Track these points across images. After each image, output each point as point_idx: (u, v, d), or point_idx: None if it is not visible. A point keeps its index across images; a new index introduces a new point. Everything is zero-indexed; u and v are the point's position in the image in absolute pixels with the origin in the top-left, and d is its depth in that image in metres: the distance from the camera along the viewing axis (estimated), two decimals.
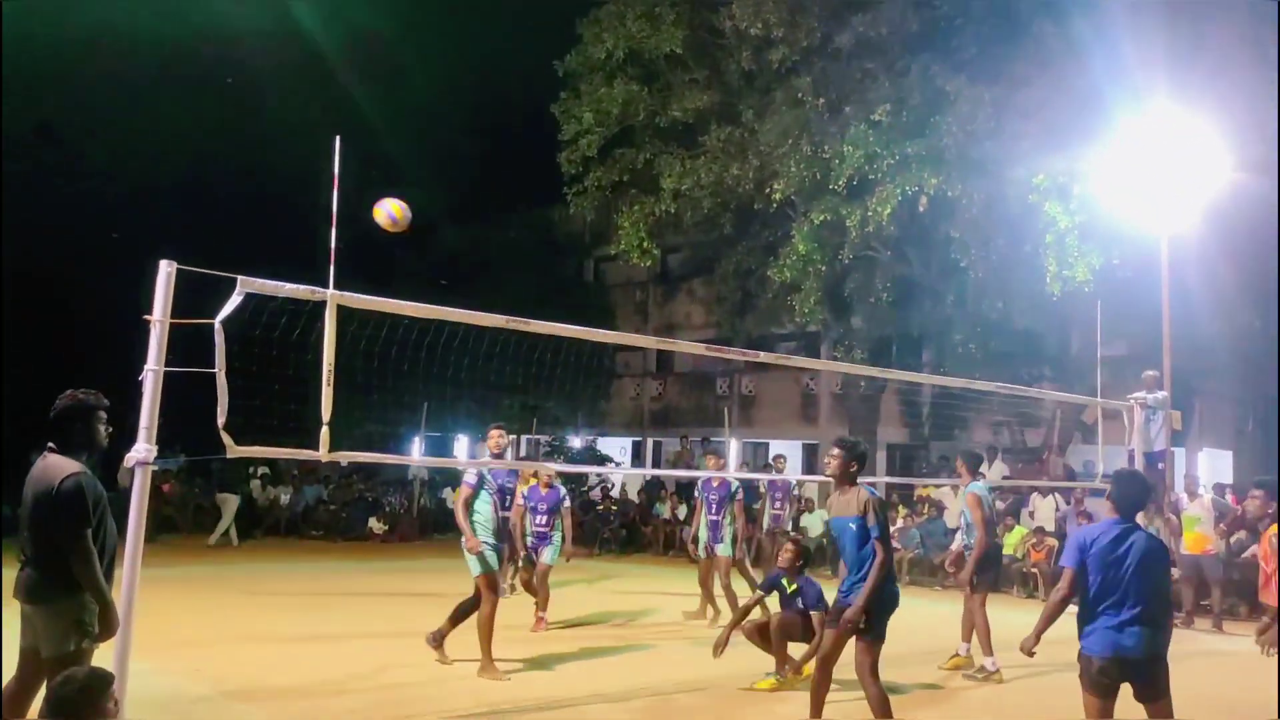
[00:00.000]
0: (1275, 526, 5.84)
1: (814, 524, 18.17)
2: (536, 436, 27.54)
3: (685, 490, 21.34)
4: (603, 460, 27.66)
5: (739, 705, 7.38)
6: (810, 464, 29.28)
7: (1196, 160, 12.38)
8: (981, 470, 9.11)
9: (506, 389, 22.71)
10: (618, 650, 9.50)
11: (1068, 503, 15.68)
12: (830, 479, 6.24)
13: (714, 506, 10.83)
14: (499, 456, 8.58)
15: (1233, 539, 12.92)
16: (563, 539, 10.43)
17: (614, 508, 21.18)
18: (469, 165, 28.36)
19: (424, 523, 22.03)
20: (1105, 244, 14.83)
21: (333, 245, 5.97)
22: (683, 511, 20.70)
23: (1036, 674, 8.41)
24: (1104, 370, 12.87)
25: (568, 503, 10.58)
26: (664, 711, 7.15)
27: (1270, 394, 19.75)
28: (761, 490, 15.73)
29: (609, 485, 22.86)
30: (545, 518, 10.33)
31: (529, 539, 10.37)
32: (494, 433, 8.51)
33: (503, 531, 8.30)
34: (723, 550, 10.82)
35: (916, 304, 19.83)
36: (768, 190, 18.42)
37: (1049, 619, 5.07)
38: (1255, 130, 13.34)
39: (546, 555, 10.34)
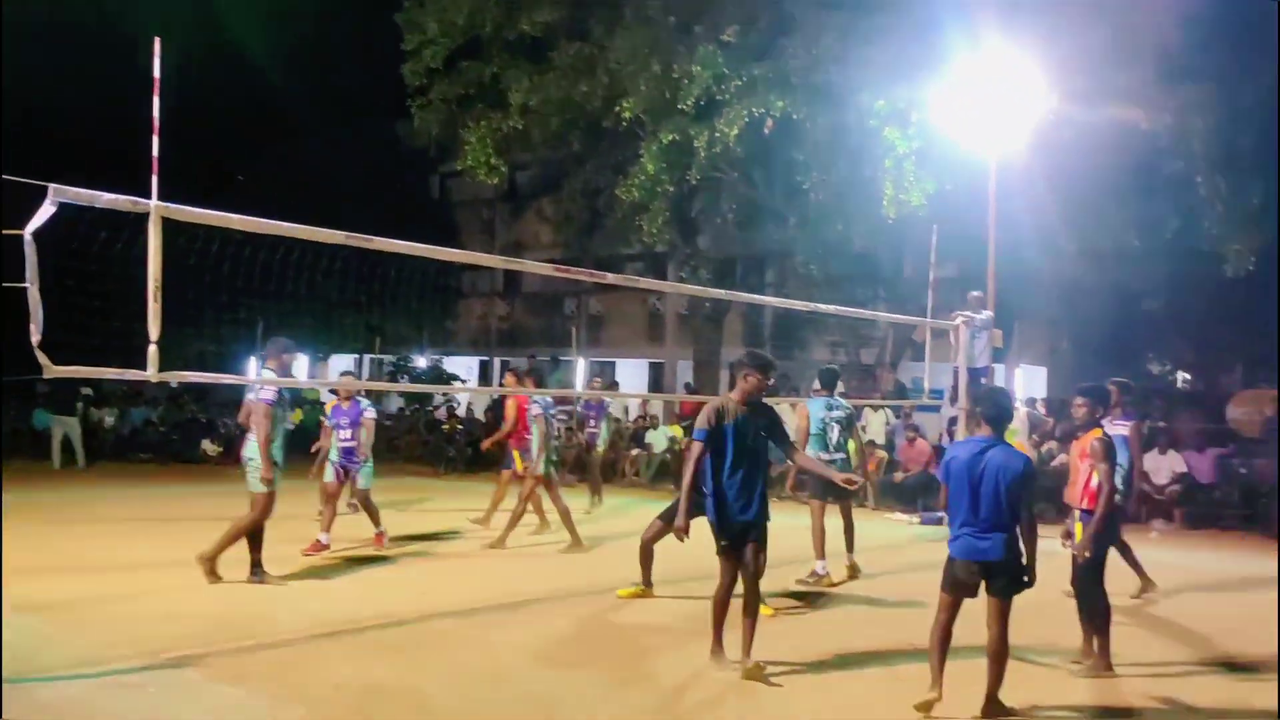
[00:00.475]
0: (1097, 430, 6.31)
1: (659, 440, 18.54)
2: (380, 356, 27.01)
3: None
4: (448, 380, 27.43)
5: (585, 607, 7.54)
6: (657, 382, 29.80)
7: (1023, 91, 12.93)
8: (827, 388, 9.31)
9: (348, 307, 22.15)
10: (454, 565, 9.58)
11: (897, 416, 16.46)
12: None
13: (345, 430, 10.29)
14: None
15: (1043, 448, 13.87)
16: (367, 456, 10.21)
17: (459, 427, 21.04)
18: (309, 74, 26.99)
19: None
20: (939, 170, 15.39)
21: (154, 154, 5.63)
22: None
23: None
24: (934, 291, 13.48)
25: (370, 414, 10.25)
26: (501, 621, 7.23)
27: (1084, 315, 21.17)
28: (578, 411, 15.86)
29: (455, 405, 22.68)
30: (349, 431, 10.09)
31: (335, 456, 10.13)
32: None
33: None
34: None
35: (761, 226, 20.21)
36: (617, 109, 18.30)
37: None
38: (1076, 63, 14.00)
39: (362, 480, 10.18)
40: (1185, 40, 14.58)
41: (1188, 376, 29.69)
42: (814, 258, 18.67)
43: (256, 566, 8.24)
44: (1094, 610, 6.25)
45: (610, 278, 9.24)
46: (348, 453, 10.10)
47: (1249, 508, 13.95)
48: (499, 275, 32.84)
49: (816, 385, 9.62)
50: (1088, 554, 6.20)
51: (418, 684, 5.68)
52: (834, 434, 9.09)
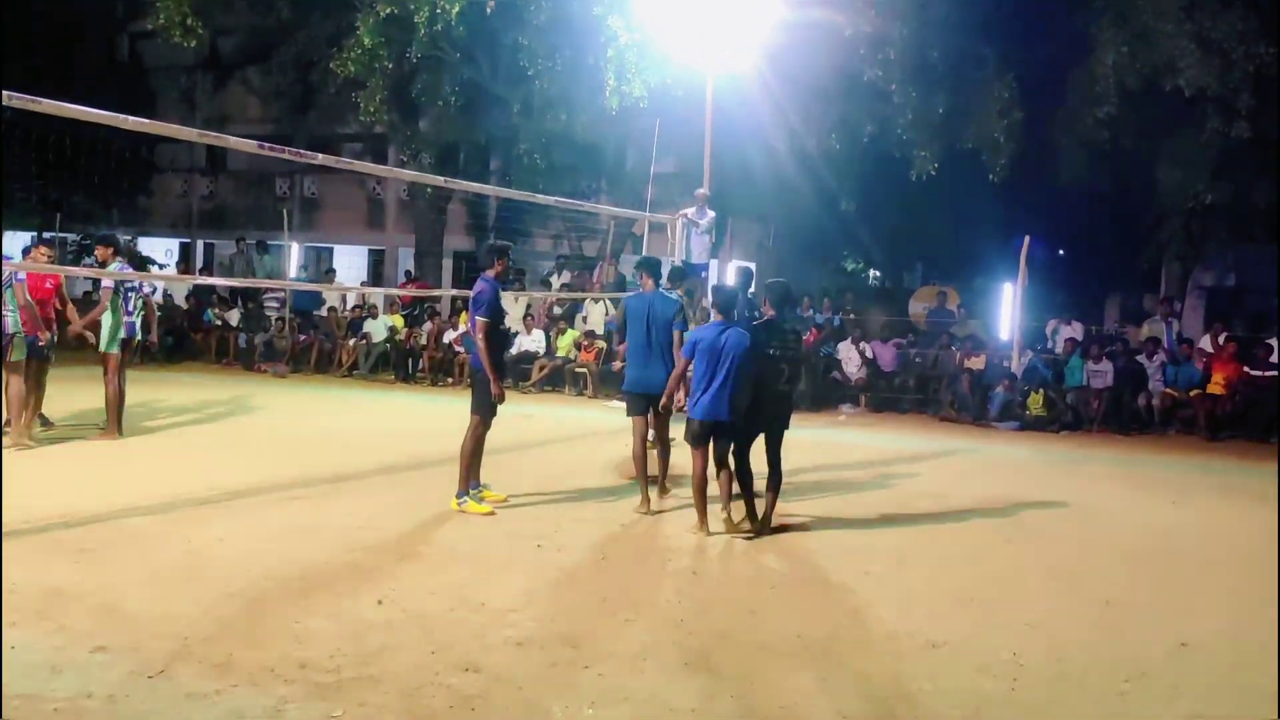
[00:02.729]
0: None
1: (378, 330, 18.07)
2: (62, 235, 24.35)
3: (239, 297, 20.19)
4: (144, 264, 25.25)
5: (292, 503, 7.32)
6: (377, 271, 28.84)
7: None
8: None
9: (17, 178, 19.80)
10: (148, 459, 9.02)
11: (616, 307, 16.85)
12: None
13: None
14: None
15: None
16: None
17: (158, 314, 19.48)
18: None
19: None
20: (660, 63, 15.56)
21: None
22: (235, 317, 19.65)
23: None
24: (655, 184, 13.75)
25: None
26: (202, 517, 6.90)
27: (790, 213, 22.39)
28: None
29: (152, 288, 20.93)
30: None
31: None
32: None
33: None
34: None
35: (485, 111, 19.72)
36: None
37: (672, 390, 7.30)
38: None
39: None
40: None
41: (878, 273, 32.31)
42: (537, 146, 18.49)
43: None
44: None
45: (320, 158, 8.64)
46: None
47: (922, 393, 15.54)
48: (200, 150, 30.28)
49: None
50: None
51: (108, 584, 5.31)
52: None
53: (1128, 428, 13.66)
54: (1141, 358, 14.48)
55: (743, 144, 17.20)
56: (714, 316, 7.14)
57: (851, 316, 17.54)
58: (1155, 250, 19.30)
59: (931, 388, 15.50)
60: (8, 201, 21.51)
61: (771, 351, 6.97)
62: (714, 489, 6.99)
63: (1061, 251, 25.14)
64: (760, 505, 7.06)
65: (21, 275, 9.07)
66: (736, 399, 6.77)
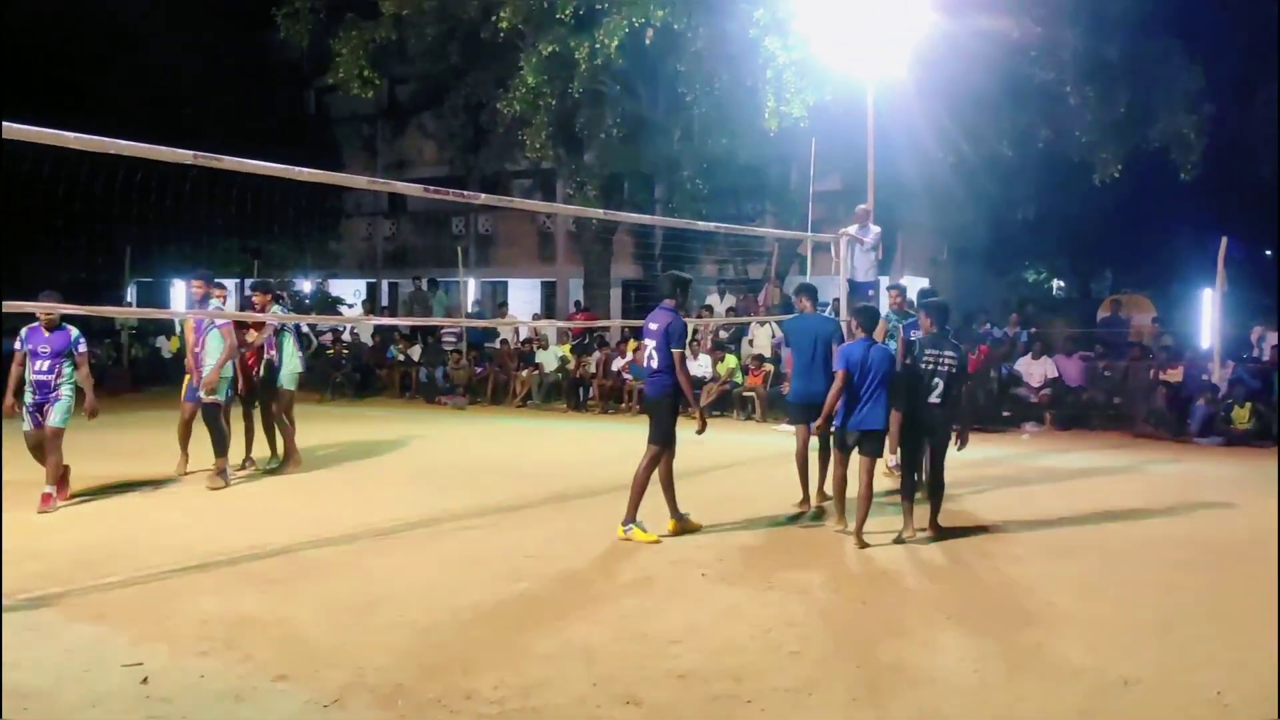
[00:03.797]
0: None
1: (549, 360, 18.46)
2: (262, 280, 26.09)
3: (418, 332, 21.04)
4: (334, 304, 26.72)
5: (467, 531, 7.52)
6: (549, 303, 29.55)
7: (901, 3, 12.88)
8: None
9: (222, 230, 21.30)
10: (335, 492, 9.43)
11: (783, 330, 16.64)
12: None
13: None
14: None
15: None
16: (77, 392, 8.41)
17: (345, 351, 20.58)
18: None
19: (136, 375, 20.80)
20: (819, 82, 15.37)
21: None
22: (416, 352, 20.47)
23: None
24: (820, 203, 13.56)
25: (82, 347, 8.36)
26: (380, 548, 7.16)
27: (962, 225, 21.66)
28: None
29: (340, 329, 22.14)
30: (48, 363, 8.22)
31: (30, 393, 8.28)
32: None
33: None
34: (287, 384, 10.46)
35: (646, 140, 19.97)
36: (494, 18, 17.73)
37: (833, 403, 7.34)
38: None
39: (55, 415, 8.27)
40: None
41: (1061, 283, 30.83)
42: (699, 172, 18.58)
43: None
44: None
45: (482, 198, 9.01)
46: (43, 387, 8.26)
47: (1114, 409, 14.63)
48: (383, 195, 31.89)
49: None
50: None
51: (290, 614, 5.56)
52: None
53: None
54: None
55: (907, 157, 16.77)
56: (858, 334, 7.59)
57: (1032, 330, 16.75)
58: None
59: (1124, 403, 14.58)
60: (214, 250, 23.12)
61: (925, 366, 7.25)
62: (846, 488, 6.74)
63: (1270, 252, 23.30)
64: (922, 513, 7.35)
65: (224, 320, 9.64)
66: (882, 410, 7.24)
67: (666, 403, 7.32)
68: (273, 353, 10.33)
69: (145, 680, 4.51)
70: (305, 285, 29.60)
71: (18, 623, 5.35)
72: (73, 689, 4.45)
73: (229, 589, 6.06)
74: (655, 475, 7.40)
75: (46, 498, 8.26)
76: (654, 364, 7.34)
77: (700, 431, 7.33)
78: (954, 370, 7.25)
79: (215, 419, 9.55)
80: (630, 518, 7.35)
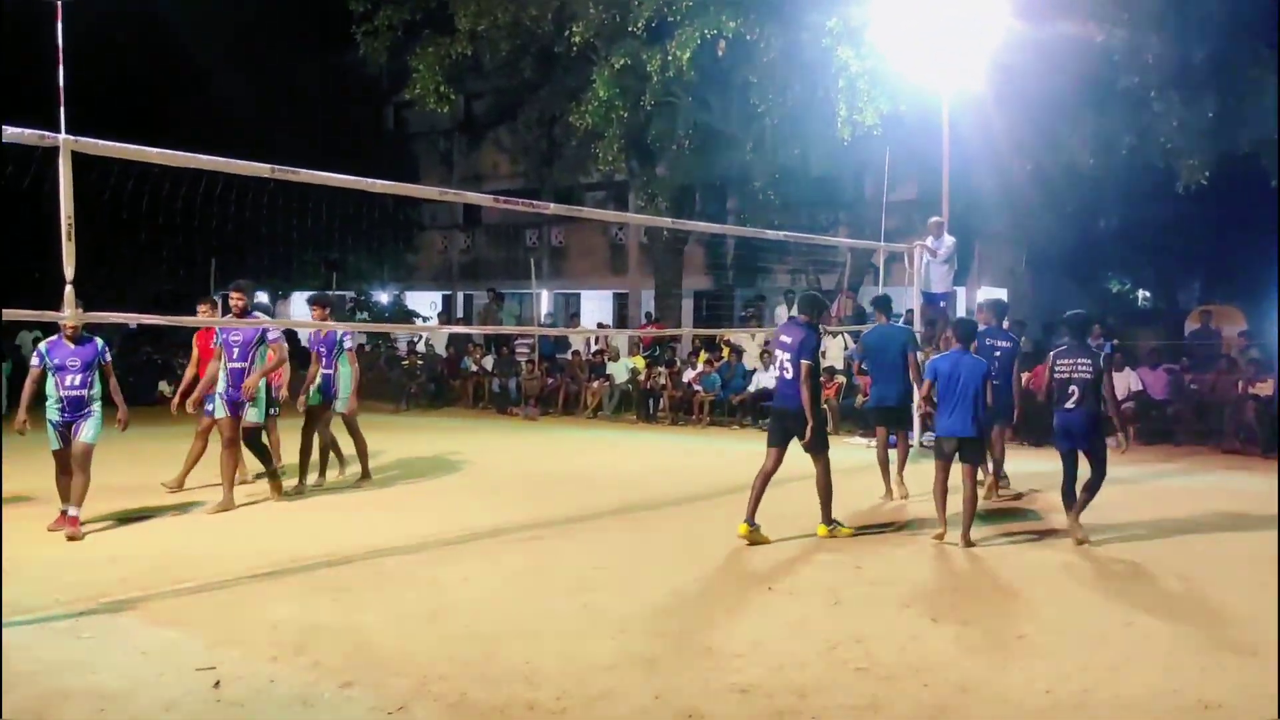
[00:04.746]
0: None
1: (619, 371, 18.50)
2: (340, 292, 26.64)
3: (491, 343, 21.27)
4: (410, 315, 27.18)
5: (534, 541, 7.56)
6: (621, 314, 29.66)
7: (976, 9, 12.66)
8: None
9: (303, 244, 21.81)
10: (408, 501, 9.56)
11: (855, 342, 16.44)
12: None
13: (325, 359, 9.99)
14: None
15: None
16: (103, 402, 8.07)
17: (420, 362, 20.90)
18: (246, 2, 25.96)
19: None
20: (893, 90, 15.18)
21: (60, 83, 5.41)
22: (490, 363, 20.68)
23: None
24: (895, 213, 13.38)
25: (108, 356, 8.07)
26: (448, 557, 7.22)
27: (1041, 235, 21.17)
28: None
29: (415, 339, 22.50)
30: (79, 376, 7.80)
31: (58, 410, 7.84)
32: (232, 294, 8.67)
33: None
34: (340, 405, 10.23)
35: (718, 151, 19.92)
36: (567, 32, 17.90)
37: (923, 403, 8.50)
38: None
39: (88, 431, 7.84)
40: None
41: (1147, 294, 29.97)
42: (772, 183, 18.47)
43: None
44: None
45: (552, 208, 9.04)
46: (75, 404, 7.83)
47: (1201, 422, 14.14)
48: (458, 208, 32.36)
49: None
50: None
51: (360, 622, 5.64)
52: None
53: None
54: None
55: (984, 165, 16.46)
56: (954, 344, 7.98)
57: (1115, 341, 16.28)
58: None
59: (1210, 416, 14.09)
60: (291, 262, 23.66)
61: (1060, 375, 7.73)
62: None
63: None
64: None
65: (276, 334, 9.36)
66: (970, 418, 7.59)
67: (803, 414, 7.60)
68: (328, 371, 10.04)
69: (217, 684, 4.61)
70: (382, 297, 30.17)
71: (97, 626, 5.53)
72: (147, 692, 4.56)
73: (301, 596, 6.18)
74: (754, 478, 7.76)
75: (74, 520, 7.69)
76: (787, 374, 7.66)
77: (810, 445, 7.61)
78: (1091, 377, 7.61)
79: (256, 440, 9.30)
80: (827, 518, 7.90)
